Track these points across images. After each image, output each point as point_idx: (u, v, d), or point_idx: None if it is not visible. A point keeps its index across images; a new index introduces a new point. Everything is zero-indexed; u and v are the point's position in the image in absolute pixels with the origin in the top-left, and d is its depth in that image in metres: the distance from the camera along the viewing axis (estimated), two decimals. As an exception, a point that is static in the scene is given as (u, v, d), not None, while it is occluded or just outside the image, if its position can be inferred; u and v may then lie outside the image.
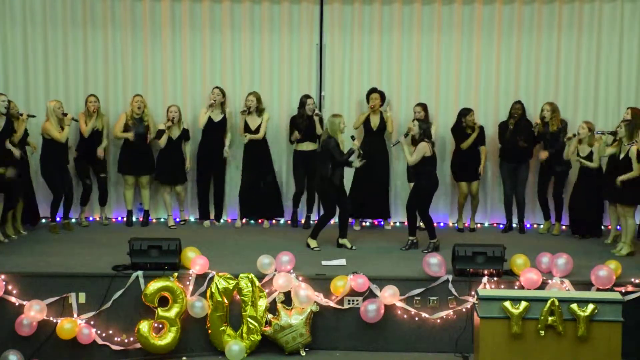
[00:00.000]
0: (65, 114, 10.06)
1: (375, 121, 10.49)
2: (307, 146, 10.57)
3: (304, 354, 8.46)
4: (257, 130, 10.51)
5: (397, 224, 10.92)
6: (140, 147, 10.52)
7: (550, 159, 10.33)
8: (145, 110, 10.52)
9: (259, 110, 10.56)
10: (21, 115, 9.86)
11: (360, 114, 10.68)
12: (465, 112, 10.47)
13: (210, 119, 10.55)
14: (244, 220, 10.88)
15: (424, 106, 10.41)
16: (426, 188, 9.52)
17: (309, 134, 10.51)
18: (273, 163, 10.80)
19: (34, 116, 10.06)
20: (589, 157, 9.91)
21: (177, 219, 10.86)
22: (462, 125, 10.45)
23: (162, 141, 10.45)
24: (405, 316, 8.53)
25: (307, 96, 10.51)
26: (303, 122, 10.46)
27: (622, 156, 9.34)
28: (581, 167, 10.07)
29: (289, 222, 10.90)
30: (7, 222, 9.80)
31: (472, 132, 10.43)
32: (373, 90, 10.52)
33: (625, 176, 9.28)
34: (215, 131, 10.59)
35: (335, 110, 10.47)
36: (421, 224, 9.85)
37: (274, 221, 10.97)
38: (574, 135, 10.02)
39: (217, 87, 10.60)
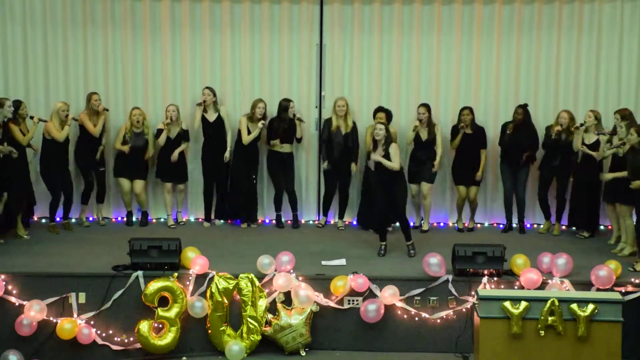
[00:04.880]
0: (66, 116, 10.06)
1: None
2: (284, 148, 10.58)
3: (304, 354, 8.47)
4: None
5: (397, 224, 10.90)
6: (137, 156, 10.52)
7: (558, 165, 10.30)
8: (144, 122, 10.52)
9: None
10: (32, 118, 9.87)
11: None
12: (461, 110, 10.48)
13: (205, 119, 10.55)
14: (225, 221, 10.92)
15: (427, 107, 10.39)
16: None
17: (287, 137, 10.52)
18: (258, 164, 10.79)
19: (45, 120, 10.05)
20: (595, 145, 9.88)
21: (176, 219, 10.85)
22: (459, 123, 10.47)
23: (161, 140, 10.45)
24: (405, 316, 8.54)
25: (288, 100, 10.52)
26: (282, 126, 10.46)
27: (621, 155, 9.31)
28: (582, 157, 10.06)
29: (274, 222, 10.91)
30: (17, 223, 9.84)
31: (466, 131, 10.39)
32: (379, 109, 10.39)
33: (614, 175, 9.27)
34: (213, 131, 10.59)
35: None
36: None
37: (274, 221, 10.98)
38: (581, 125, 10.00)
39: (207, 88, 10.59)
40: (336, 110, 10.45)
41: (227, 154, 10.59)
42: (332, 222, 10.94)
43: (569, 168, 10.30)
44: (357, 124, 10.68)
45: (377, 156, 9.15)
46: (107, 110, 10.58)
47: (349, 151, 10.51)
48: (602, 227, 10.55)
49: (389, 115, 10.35)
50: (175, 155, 10.52)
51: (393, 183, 9.23)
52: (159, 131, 10.46)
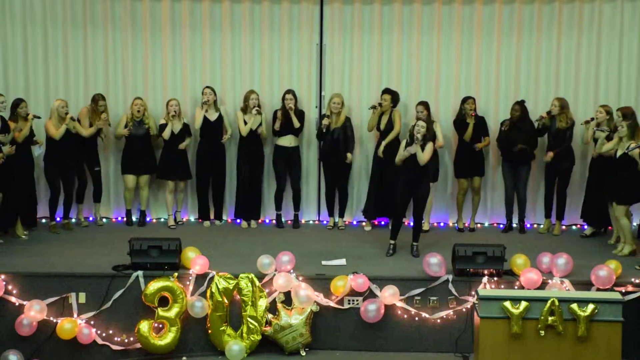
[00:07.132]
0: (66, 114, 10.08)
1: (383, 121, 10.50)
2: (289, 141, 10.59)
3: (304, 354, 8.47)
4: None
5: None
6: (141, 147, 10.53)
7: (555, 157, 10.29)
8: (145, 113, 10.53)
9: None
10: (27, 115, 9.88)
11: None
12: (463, 100, 10.48)
13: (206, 119, 10.54)
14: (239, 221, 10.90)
15: (426, 105, 10.37)
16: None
17: (287, 129, 10.53)
18: (264, 161, 10.80)
19: (39, 117, 10.06)
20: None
21: (175, 219, 10.85)
22: (462, 114, 10.45)
23: (166, 134, 10.45)
24: (405, 316, 8.54)
25: (287, 91, 10.52)
26: (283, 116, 10.48)
27: (619, 154, 9.25)
28: (592, 158, 10.05)
29: (275, 222, 10.91)
30: (17, 223, 9.84)
31: (469, 121, 10.41)
32: (385, 91, 10.50)
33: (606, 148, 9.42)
34: (212, 131, 10.58)
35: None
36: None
37: (274, 221, 10.97)
38: (592, 120, 9.98)
39: (207, 87, 10.59)
40: (330, 107, 10.44)
41: (225, 137, 10.59)
42: (330, 221, 10.93)
43: (570, 160, 10.28)
44: (356, 123, 10.71)
45: (416, 147, 9.11)
46: (109, 124, 10.55)
47: (343, 146, 10.50)
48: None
49: (395, 97, 10.42)
50: (183, 145, 10.52)
51: (419, 183, 9.23)
52: (162, 126, 10.47)
